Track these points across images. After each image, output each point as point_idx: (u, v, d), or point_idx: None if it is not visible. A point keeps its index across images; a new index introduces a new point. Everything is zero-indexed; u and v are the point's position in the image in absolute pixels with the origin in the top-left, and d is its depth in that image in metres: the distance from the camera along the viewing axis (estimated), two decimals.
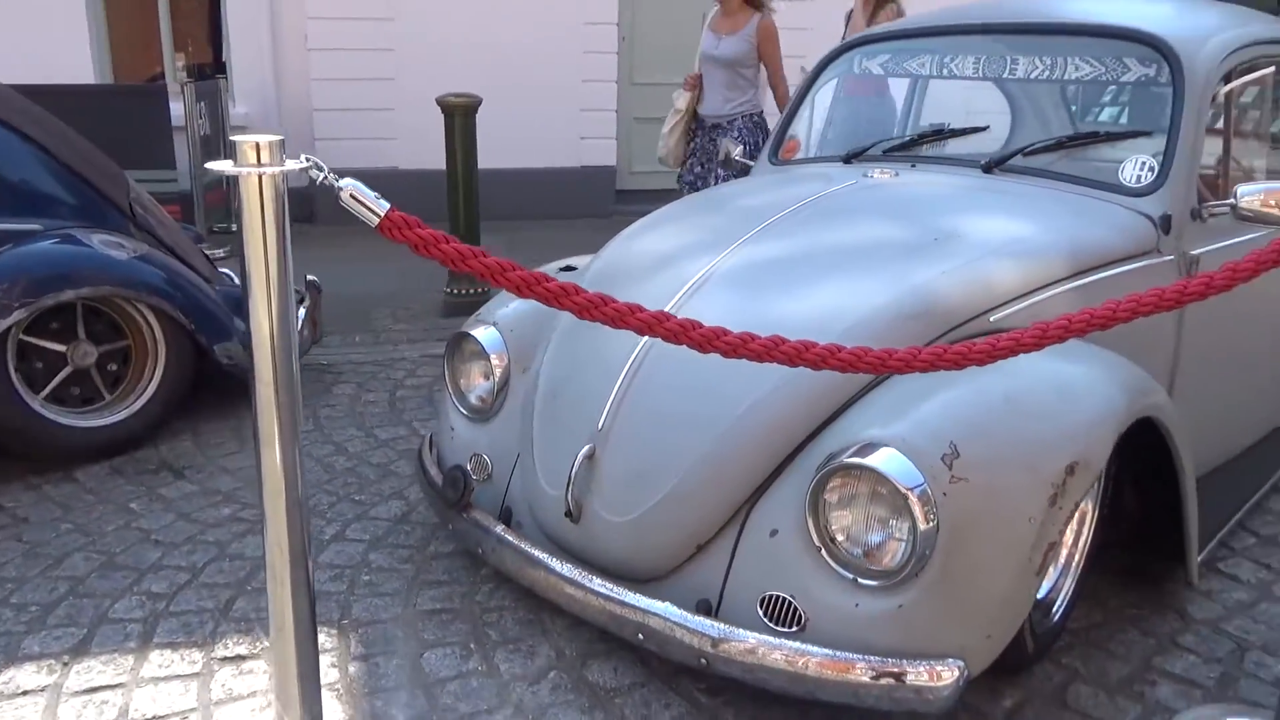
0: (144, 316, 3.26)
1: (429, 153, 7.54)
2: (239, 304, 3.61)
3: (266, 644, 2.18)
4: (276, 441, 1.36)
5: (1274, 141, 3.12)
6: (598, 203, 7.89)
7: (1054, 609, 2.16)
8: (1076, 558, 2.20)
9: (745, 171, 3.55)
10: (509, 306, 2.63)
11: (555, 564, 2.10)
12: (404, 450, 3.25)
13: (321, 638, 2.19)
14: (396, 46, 7.49)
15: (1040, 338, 1.65)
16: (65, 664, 2.12)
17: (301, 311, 3.82)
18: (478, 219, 5.06)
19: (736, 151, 3.68)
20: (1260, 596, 2.44)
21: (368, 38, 7.42)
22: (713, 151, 4.73)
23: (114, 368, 3.27)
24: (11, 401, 2.97)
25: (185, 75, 7.41)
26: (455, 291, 5.03)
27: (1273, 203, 2.30)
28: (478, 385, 2.58)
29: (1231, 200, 2.35)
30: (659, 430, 2.08)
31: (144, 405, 3.25)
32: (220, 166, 1.28)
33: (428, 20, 7.45)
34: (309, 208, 7.60)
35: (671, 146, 4.98)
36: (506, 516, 2.34)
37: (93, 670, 2.10)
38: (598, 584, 2.02)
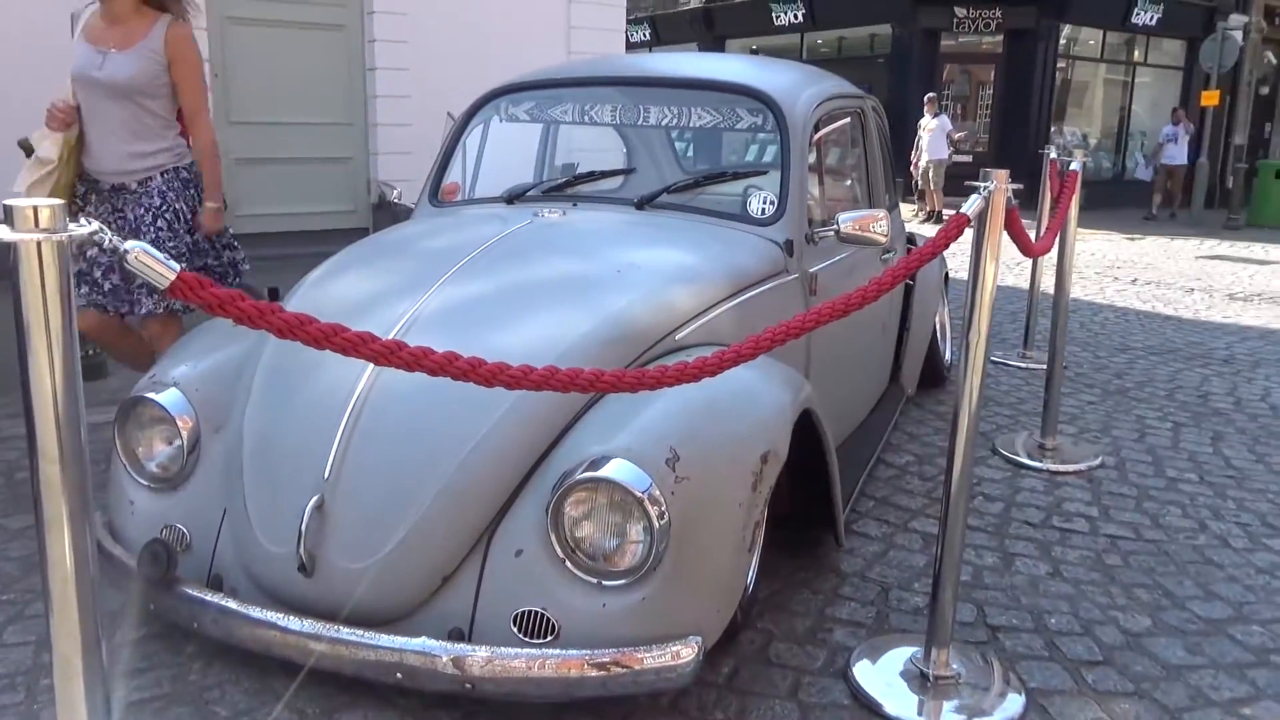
0: None
1: None
2: None
3: None
4: (65, 524, 1.23)
5: (855, 174, 3.83)
6: None
7: (748, 582, 2.50)
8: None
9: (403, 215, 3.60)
10: (187, 365, 2.49)
11: (294, 622, 2.04)
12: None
13: None
14: None
15: (719, 363, 1.92)
16: None
17: None
18: None
19: (394, 195, 3.71)
20: (888, 547, 3.00)
21: None
22: (123, 229, 3.20)
23: None
24: None
25: None
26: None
27: (864, 227, 2.86)
28: (159, 453, 2.41)
29: (835, 226, 2.88)
30: (391, 471, 2.11)
31: None
32: None
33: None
34: None
35: None
36: (217, 584, 2.21)
37: None
38: (345, 633, 2.00)
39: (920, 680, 2.31)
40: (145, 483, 2.37)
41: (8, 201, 1.17)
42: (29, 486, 3.18)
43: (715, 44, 21.55)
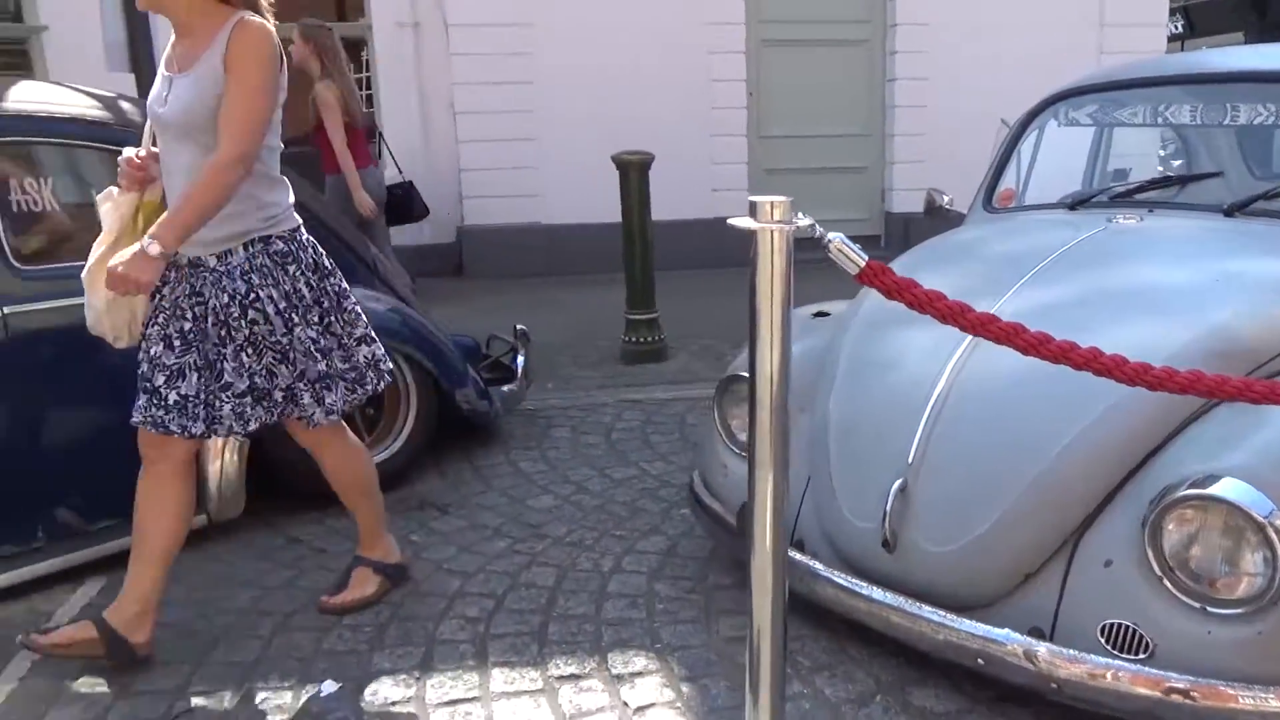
0: (398, 365, 3.49)
1: (572, 207, 7.91)
2: (468, 353, 3.85)
3: (593, 664, 2.33)
4: (770, 462, 1.51)
5: None
6: (728, 254, 8.07)
7: None
8: None
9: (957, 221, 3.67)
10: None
11: (877, 593, 2.21)
12: (642, 489, 3.40)
13: (642, 660, 2.34)
14: (537, 108, 7.83)
15: None
16: (418, 678, 2.29)
17: (520, 360, 4.04)
18: (653, 267, 5.26)
19: (945, 200, 3.79)
20: None
21: (511, 100, 7.77)
22: (200, 311, 2.26)
23: (371, 412, 3.50)
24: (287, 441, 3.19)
25: None
26: (632, 340, 5.22)
27: None
28: None
29: None
30: (976, 460, 2.19)
31: (400, 447, 3.47)
32: (741, 223, 1.46)
33: (568, 80, 7.78)
34: (456, 260, 7.93)
35: (104, 309, 2.28)
36: (799, 546, 2.47)
37: (444, 685, 2.26)
38: (928, 611, 2.13)
39: None
40: (738, 451, 2.71)
41: (752, 198, 1.46)
42: (626, 444, 3.74)
43: (1268, 34, 18.65)
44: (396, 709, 2.18)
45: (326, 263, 2.47)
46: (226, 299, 2.26)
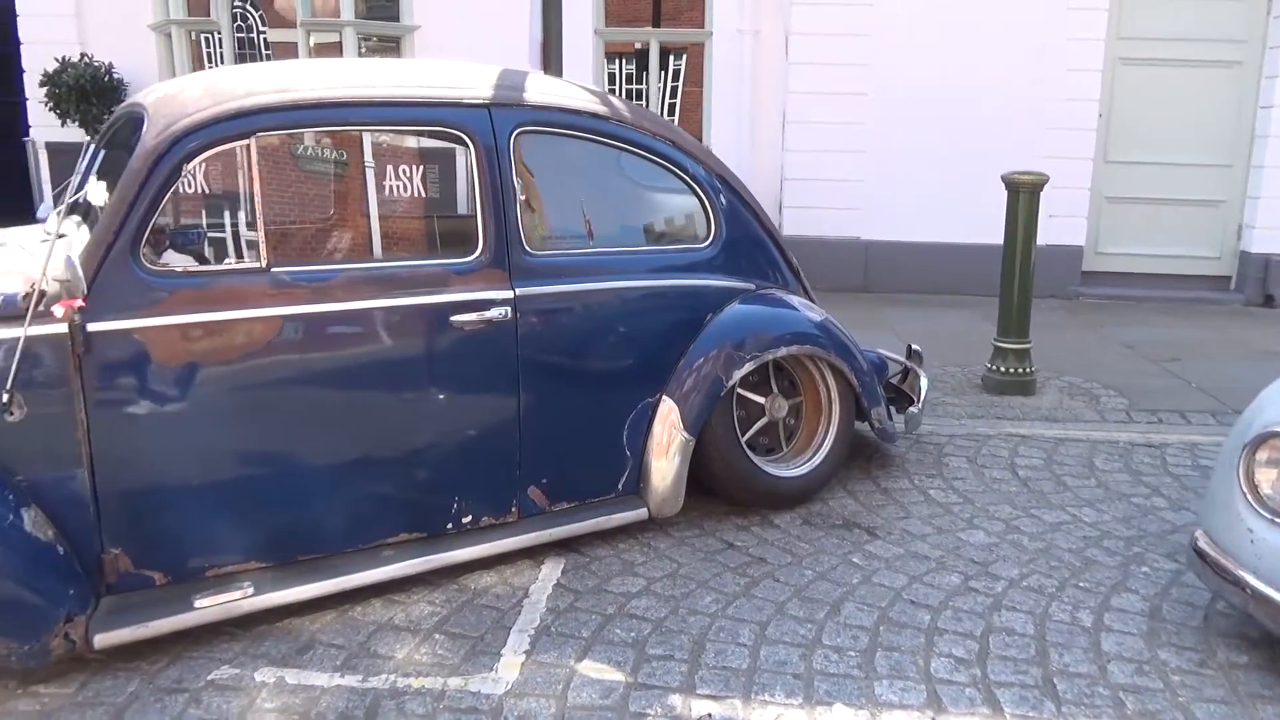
0: (823, 376, 3.41)
1: (894, 224, 7.67)
2: (876, 370, 3.71)
3: None
4: None
5: None
6: (1059, 283, 7.57)
7: None
8: None
9: None
10: None
11: None
12: (1083, 538, 3.14)
13: None
14: (869, 120, 7.63)
15: None
16: (932, 718, 2.16)
17: (923, 383, 3.86)
18: (1031, 295, 4.94)
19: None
20: None
21: (843, 112, 7.62)
22: None
23: (790, 422, 3.44)
24: (736, 446, 3.18)
25: None
26: (999, 369, 4.92)
27: None
28: None
29: None
30: None
31: (821, 461, 3.38)
32: None
33: (900, 94, 7.54)
34: None
35: None
36: None
37: None
38: None
39: None
40: (1268, 515, 2.41)
41: None
42: (1039, 484, 3.45)
43: None
44: None
45: None
46: None
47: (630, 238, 3.17)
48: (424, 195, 6.47)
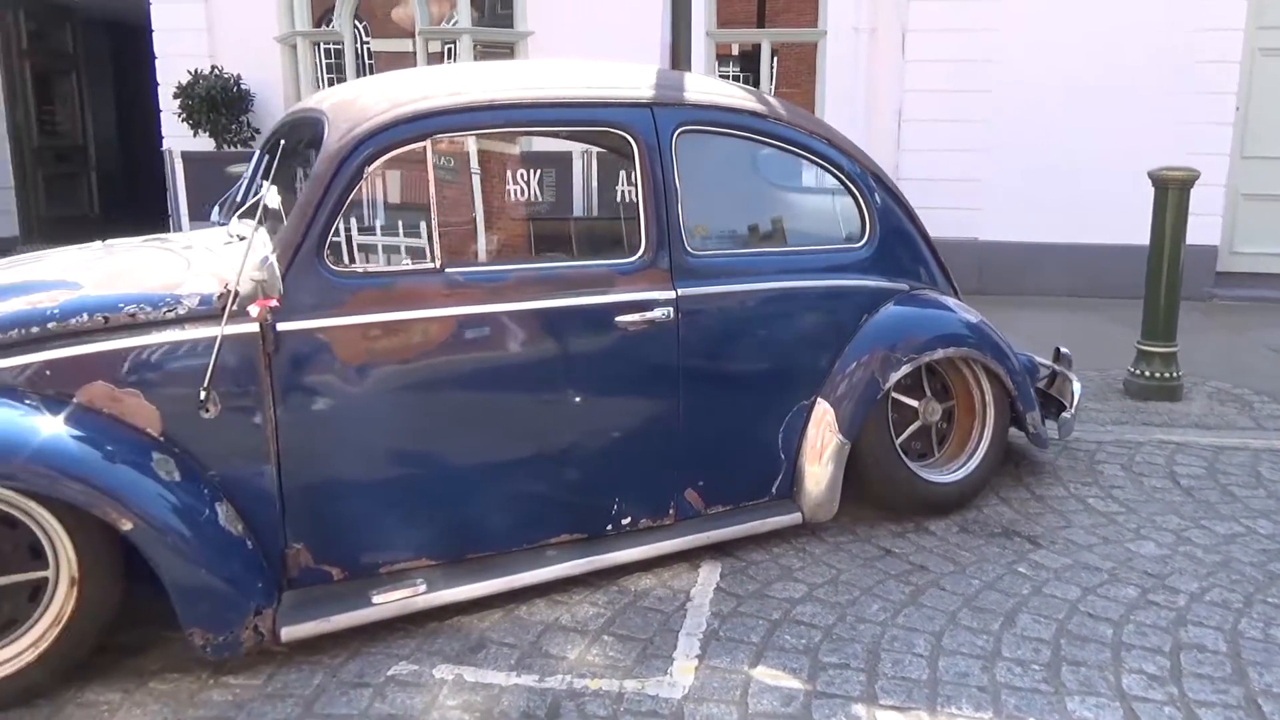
0: (977, 379, 3.31)
1: (1013, 224, 7.45)
2: (1027, 372, 3.58)
3: None
4: None
5: None
6: (1193, 284, 7.23)
7: None
8: None
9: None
10: None
11: None
12: (1261, 550, 2.97)
13: None
14: (991, 119, 7.43)
15: None
16: None
17: (1077, 387, 3.72)
18: (1179, 297, 4.73)
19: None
20: None
21: (962, 109, 7.44)
22: None
23: (943, 426, 3.35)
24: (891, 449, 3.11)
25: None
26: (1144, 373, 4.72)
27: None
28: None
29: None
30: None
31: (976, 466, 3.28)
32: None
33: (1024, 90, 7.32)
34: None
35: None
36: None
37: None
38: None
39: None
40: None
41: None
42: (1204, 493, 3.28)
43: None
44: None
45: None
46: None
47: (787, 238, 3.12)
48: (583, 197, 6.56)
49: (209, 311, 2.29)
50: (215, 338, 2.25)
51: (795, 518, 2.99)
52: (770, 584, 2.77)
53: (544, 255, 3.49)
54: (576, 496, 2.72)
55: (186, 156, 7.53)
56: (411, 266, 2.48)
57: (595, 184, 6.82)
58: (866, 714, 2.15)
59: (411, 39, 8.25)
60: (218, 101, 8.05)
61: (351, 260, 2.46)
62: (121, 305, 2.25)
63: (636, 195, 2.73)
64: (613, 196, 6.62)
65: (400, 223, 2.68)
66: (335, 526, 2.45)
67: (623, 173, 4.82)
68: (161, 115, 8.50)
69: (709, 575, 2.81)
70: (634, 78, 2.83)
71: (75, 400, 2.19)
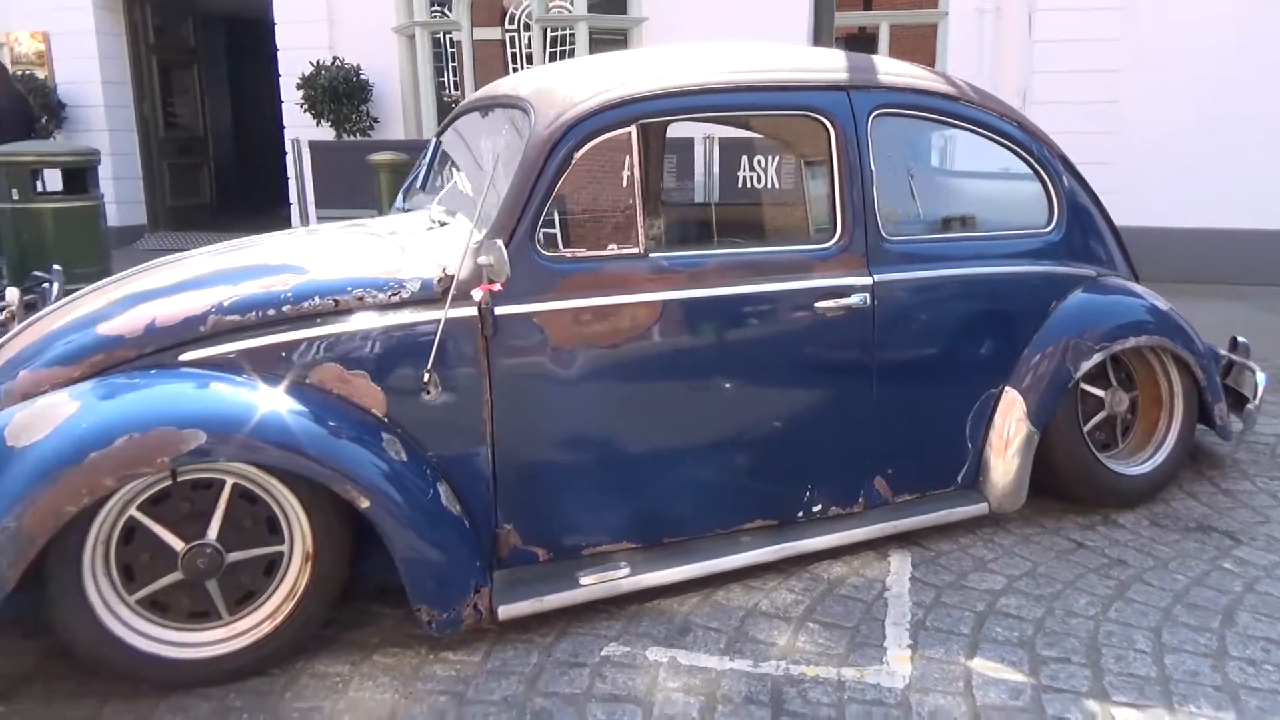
0: (1165, 369, 3.20)
1: (1149, 209, 7.19)
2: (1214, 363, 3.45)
3: None
4: None
5: None
6: None
7: None
8: None
9: None
10: None
11: None
12: None
13: None
14: (1123, 98, 7.18)
15: None
16: None
17: (1261, 378, 3.56)
18: None
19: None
20: None
21: (1094, 90, 7.20)
22: None
23: (1127, 416, 3.24)
24: (1080, 440, 3.03)
25: None
26: None
27: None
28: None
29: None
30: None
31: (1164, 459, 3.17)
32: None
33: (1161, 68, 7.06)
34: None
35: None
36: None
37: None
38: None
39: None
40: None
41: None
42: None
43: None
44: None
45: None
46: None
47: (978, 223, 3.05)
48: (777, 183, 6.52)
49: (430, 295, 2.33)
50: (438, 321, 2.28)
51: (982, 508, 2.93)
52: (965, 575, 2.72)
53: (753, 240, 3.42)
54: (770, 482, 2.71)
55: (313, 146, 7.71)
56: (617, 252, 2.48)
57: (774, 169, 6.74)
58: (1101, 710, 2.10)
59: (500, 26, 8.31)
60: (339, 92, 8.23)
61: (564, 245, 2.47)
62: (350, 289, 2.30)
63: (831, 179, 2.70)
64: (795, 181, 6.57)
65: (604, 208, 2.68)
66: (542, 508, 2.48)
67: (805, 157, 4.83)
68: (283, 106, 8.73)
69: (900, 565, 2.77)
70: (827, 60, 2.79)
71: (308, 381, 2.24)
